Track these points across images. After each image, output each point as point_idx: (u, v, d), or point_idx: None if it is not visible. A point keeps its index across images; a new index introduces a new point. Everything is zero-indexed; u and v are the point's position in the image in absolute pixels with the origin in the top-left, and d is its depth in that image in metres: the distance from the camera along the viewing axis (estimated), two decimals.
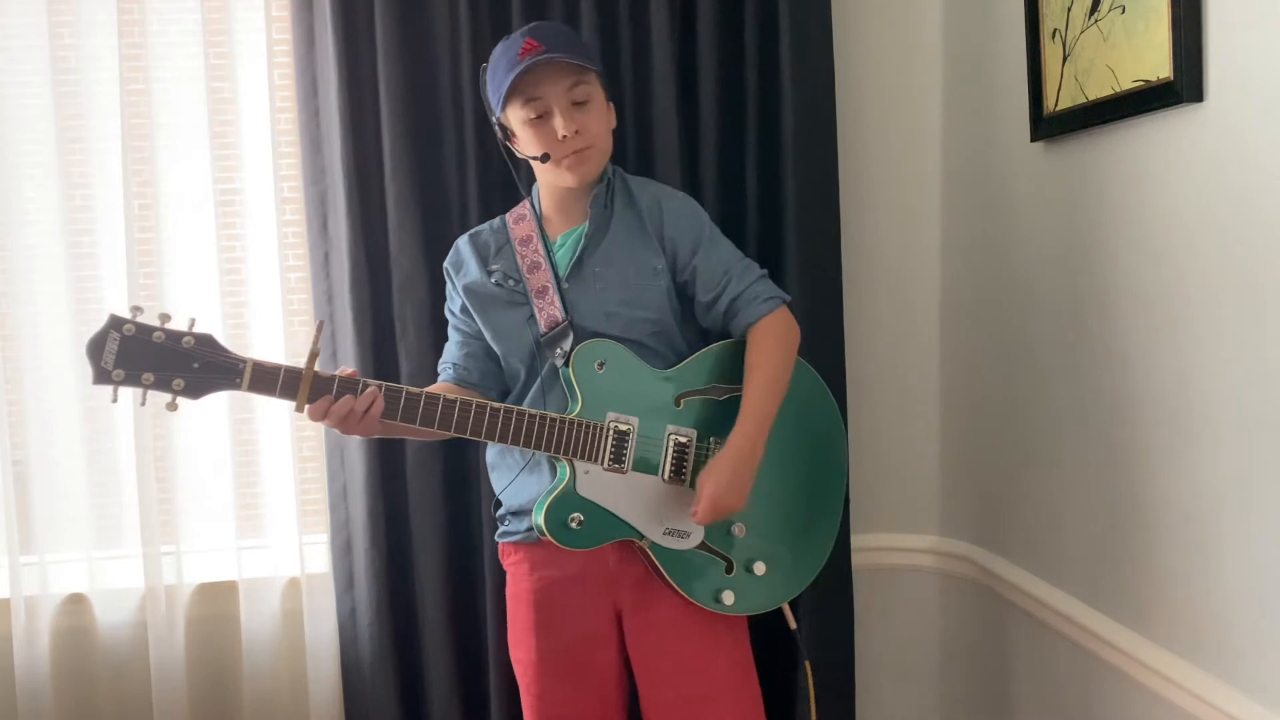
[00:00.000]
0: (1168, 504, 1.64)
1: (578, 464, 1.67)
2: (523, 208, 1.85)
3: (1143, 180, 1.65)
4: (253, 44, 2.22)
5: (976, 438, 2.26)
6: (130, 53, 2.20)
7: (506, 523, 1.84)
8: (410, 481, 2.21)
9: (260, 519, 2.33)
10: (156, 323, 1.52)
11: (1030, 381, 2.03)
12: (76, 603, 2.25)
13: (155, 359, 1.51)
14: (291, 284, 2.28)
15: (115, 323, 1.51)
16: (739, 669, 1.80)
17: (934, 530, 2.39)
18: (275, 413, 2.28)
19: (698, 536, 1.72)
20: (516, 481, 1.79)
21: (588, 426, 1.67)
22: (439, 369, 1.88)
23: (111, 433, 2.26)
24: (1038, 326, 1.99)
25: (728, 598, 1.73)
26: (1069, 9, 1.78)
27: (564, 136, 1.69)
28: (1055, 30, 1.83)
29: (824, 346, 2.20)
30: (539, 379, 1.76)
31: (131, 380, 1.51)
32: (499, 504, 1.85)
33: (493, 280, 1.80)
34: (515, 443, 1.65)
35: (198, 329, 1.54)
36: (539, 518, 1.67)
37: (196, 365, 1.52)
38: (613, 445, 1.68)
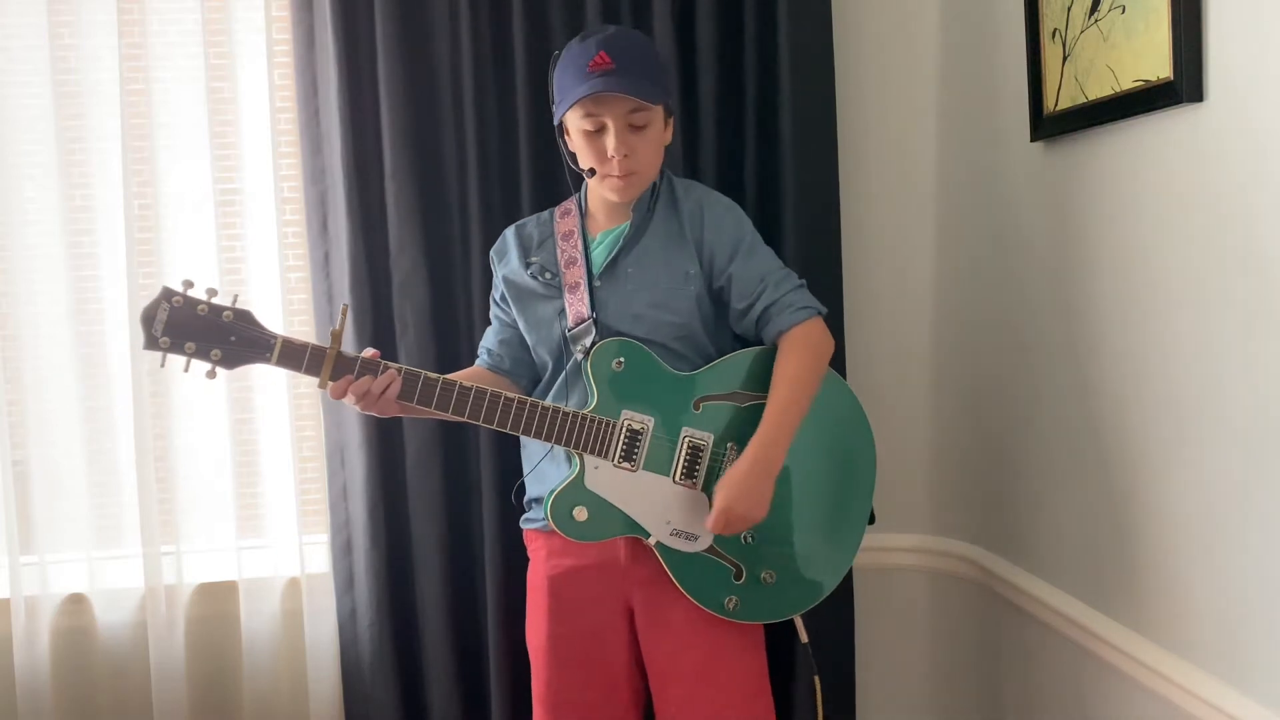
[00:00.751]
0: (1163, 502, 1.64)
1: (588, 458, 1.70)
2: (570, 202, 1.87)
3: (1142, 180, 1.65)
4: (253, 44, 2.23)
5: (974, 437, 2.26)
6: (130, 53, 2.20)
7: (530, 509, 1.87)
8: (410, 481, 2.21)
9: (260, 519, 2.33)
10: (204, 296, 1.62)
11: (1028, 380, 2.03)
12: (76, 603, 2.25)
13: (198, 330, 1.62)
14: (291, 284, 2.28)
15: (167, 294, 1.61)
16: (752, 675, 1.79)
17: (931, 529, 2.39)
18: (275, 413, 2.28)
19: (706, 540, 1.72)
20: (540, 468, 1.81)
21: (600, 422, 1.69)
22: (478, 351, 1.92)
23: (111, 433, 2.26)
24: (1036, 325, 1.99)
25: (732, 603, 1.73)
26: (1069, 9, 1.78)
27: (613, 156, 1.70)
28: (1055, 30, 1.83)
29: None
30: (564, 372, 1.79)
31: (176, 348, 1.61)
32: (521, 490, 1.87)
33: (529, 272, 1.82)
34: (526, 433, 1.69)
35: (239, 305, 1.64)
36: (546, 507, 1.71)
37: (233, 338, 1.63)
38: (624, 443, 1.70)
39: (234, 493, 2.27)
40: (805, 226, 2.19)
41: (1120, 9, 1.64)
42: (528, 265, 1.83)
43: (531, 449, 1.85)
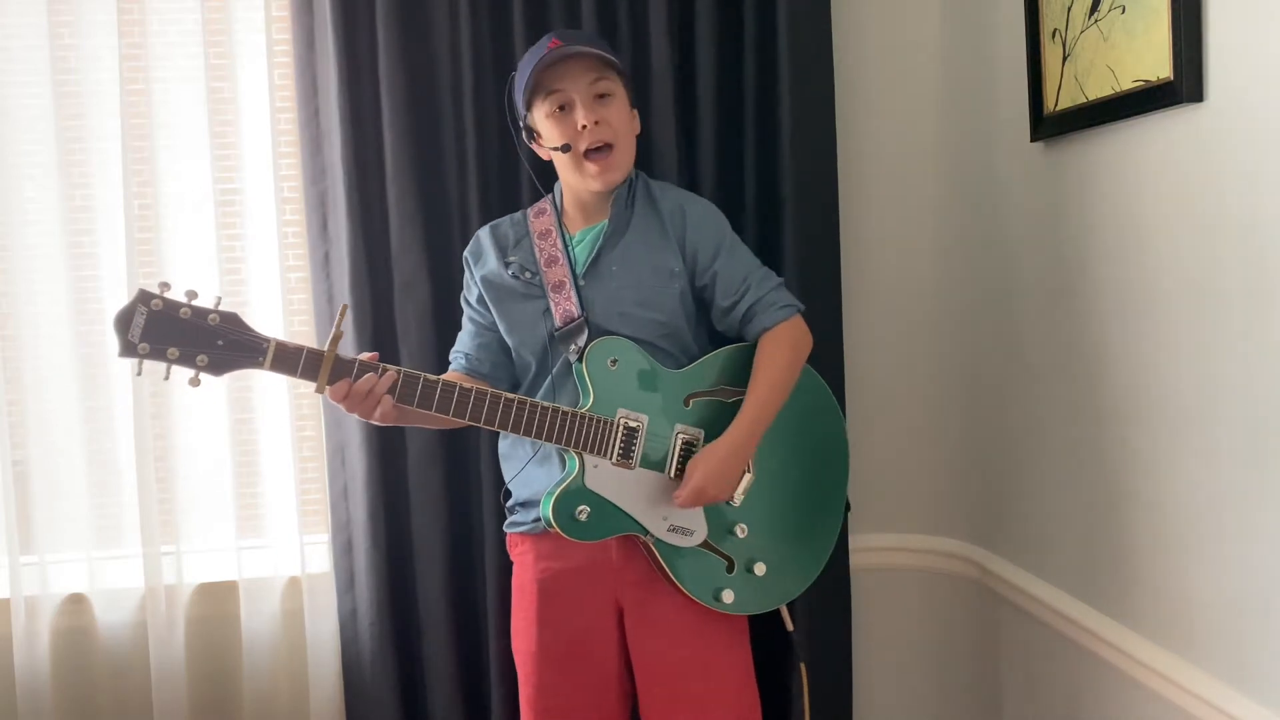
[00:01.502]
0: (1162, 501, 1.65)
1: (587, 458, 1.69)
2: (544, 202, 1.87)
3: (1142, 180, 1.65)
4: (253, 44, 2.22)
5: (973, 437, 2.26)
6: (130, 53, 2.20)
7: (515, 513, 1.86)
8: (410, 481, 2.21)
9: (260, 519, 2.33)
10: (184, 299, 1.53)
11: (1027, 380, 2.03)
12: (76, 603, 2.25)
13: (181, 335, 1.52)
14: (291, 284, 2.28)
15: (143, 298, 1.52)
16: (739, 670, 1.81)
17: (930, 529, 2.39)
18: (275, 413, 2.28)
19: (701, 535, 1.73)
20: (525, 472, 1.81)
21: (599, 421, 1.69)
22: (450, 357, 1.90)
23: (111, 433, 2.26)
24: (1035, 326, 1.99)
25: (727, 596, 1.75)
26: (1069, 9, 1.78)
27: (584, 126, 1.71)
28: (1055, 30, 1.83)
29: (822, 346, 2.18)
30: (551, 373, 1.78)
31: (156, 355, 1.51)
32: (508, 494, 1.86)
33: (509, 272, 1.81)
34: (528, 434, 1.67)
35: (224, 307, 1.55)
36: (547, 508, 1.69)
37: (221, 342, 1.54)
38: (622, 441, 1.70)
39: (234, 493, 2.27)
40: (805, 226, 2.20)
41: (1120, 9, 1.64)
42: (507, 265, 1.82)
43: (512, 453, 1.84)
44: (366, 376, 1.60)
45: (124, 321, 1.50)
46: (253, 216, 2.27)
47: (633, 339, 1.74)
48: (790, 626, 1.87)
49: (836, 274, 2.25)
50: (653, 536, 1.72)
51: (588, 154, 1.74)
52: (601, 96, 1.74)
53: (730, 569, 1.76)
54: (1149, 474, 1.68)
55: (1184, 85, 1.50)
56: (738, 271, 1.79)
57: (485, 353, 1.86)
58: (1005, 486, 2.15)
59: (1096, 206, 1.78)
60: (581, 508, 1.69)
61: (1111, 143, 1.72)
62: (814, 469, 1.84)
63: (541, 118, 1.76)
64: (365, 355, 1.63)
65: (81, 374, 2.24)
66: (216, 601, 2.28)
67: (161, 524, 2.25)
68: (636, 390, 1.72)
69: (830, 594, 2.24)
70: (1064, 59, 1.81)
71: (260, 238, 2.26)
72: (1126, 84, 1.64)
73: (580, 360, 1.71)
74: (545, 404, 1.68)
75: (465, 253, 1.89)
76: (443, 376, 1.68)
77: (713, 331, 1.85)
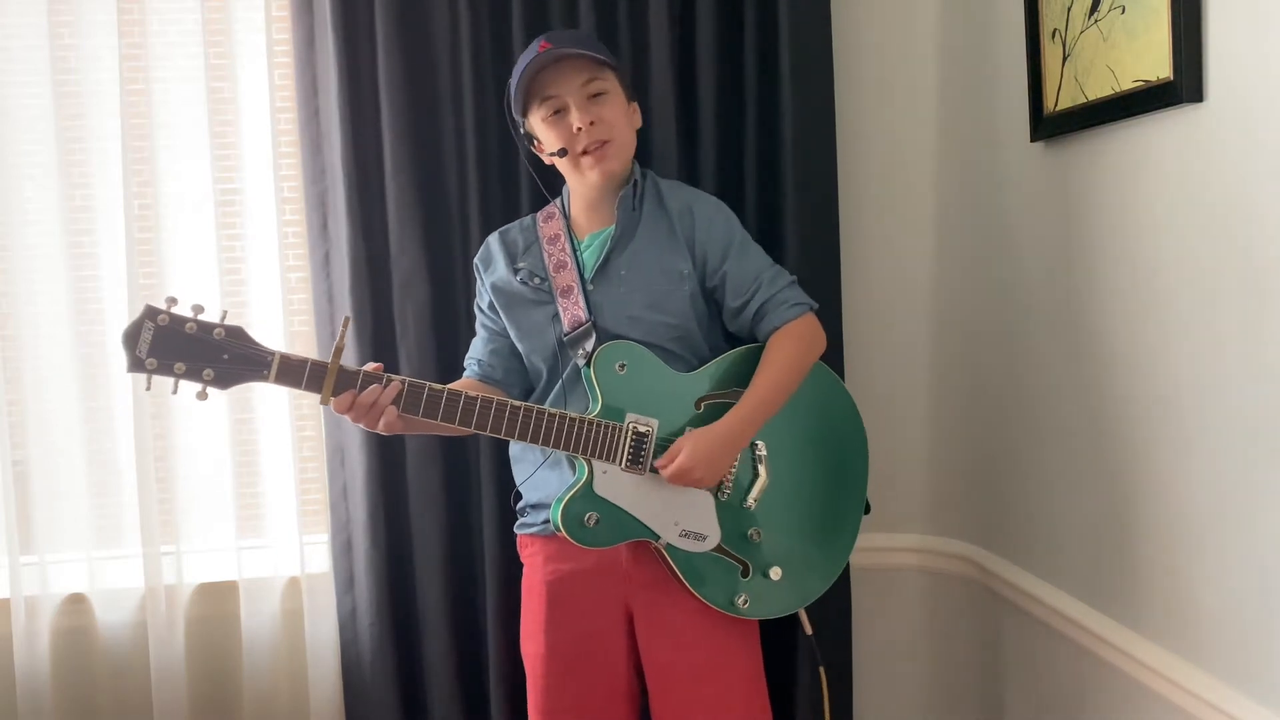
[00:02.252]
0: (1162, 502, 1.64)
1: (596, 463, 1.68)
2: (552, 207, 1.87)
3: (1142, 180, 1.65)
4: (253, 44, 2.23)
5: (973, 437, 2.26)
6: (130, 53, 2.20)
7: (525, 515, 1.85)
8: (410, 481, 2.21)
9: (260, 519, 2.33)
10: (190, 314, 1.55)
11: (1027, 381, 2.03)
12: (76, 603, 2.25)
13: (187, 349, 1.54)
14: (291, 284, 2.28)
15: (151, 313, 1.53)
16: (751, 675, 1.80)
17: (930, 529, 2.39)
18: (275, 413, 2.28)
19: (714, 540, 1.72)
20: (537, 475, 1.80)
21: (607, 427, 1.67)
22: (464, 364, 1.90)
23: (111, 433, 2.26)
24: (1034, 326, 1.99)
25: (743, 601, 1.73)
26: (1069, 9, 1.78)
27: (578, 129, 1.71)
28: (1055, 30, 1.83)
29: None
30: (561, 378, 1.77)
31: (164, 369, 1.54)
32: (519, 496, 1.86)
33: (519, 278, 1.81)
34: (535, 441, 1.66)
35: (229, 321, 1.57)
36: (556, 515, 1.68)
37: (226, 356, 1.55)
38: (631, 446, 1.68)
39: (234, 493, 2.27)
40: (805, 226, 2.19)
41: (1120, 9, 1.64)
42: (516, 271, 1.82)
43: (523, 456, 1.84)
44: (371, 388, 1.60)
45: (132, 337, 1.52)
46: (253, 216, 2.27)
47: (643, 342, 1.73)
48: (809, 630, 1.85)
49: (837, 273, 2.25)
50: (664, 542, 1.71)
51: (583, 151, 1.74)
52: (596, 96, 1.73)
53: (746, 573, 1.74)
54: (1150, 473, 1.68)
55: (1184, 85, 1.49)
56: (748, 271, 1.77)
57: (497, 359, 1.85)
58: (1006, 486, 2.15)
59: (1096, 206, 1.78)
60: (590, 514, 1.68)
61: (1111, 143, 1.72)
62: (832, 472, 1.81)
63: (538, 123, 1.76)
64: (370, 366, 1.63)
65: (81, 374, 2.24)
66: (216, 601, 2.28)
67: (161, 524, 2.25)
68: (646, 394, 1.70)
69: (831, 594, 2.21)
70: (1064, 59, 1.81)
71: (260, 238, 2.26)
72: (1126, 84, 1.64)
73: (588, 365, 1.71)
74: (552, 410, 1.66)
75: (475, 259, 1.89)
76: (450, 385, 1.67)
77: (728, 334, 1.83)
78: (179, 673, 2.24)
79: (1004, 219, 2.10)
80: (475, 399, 1.64)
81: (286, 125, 2.27)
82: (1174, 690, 1.61)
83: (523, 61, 1.75)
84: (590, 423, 1.67)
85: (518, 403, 1.65)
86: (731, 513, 1.73)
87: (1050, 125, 1.87)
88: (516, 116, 1.80)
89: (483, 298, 1.88)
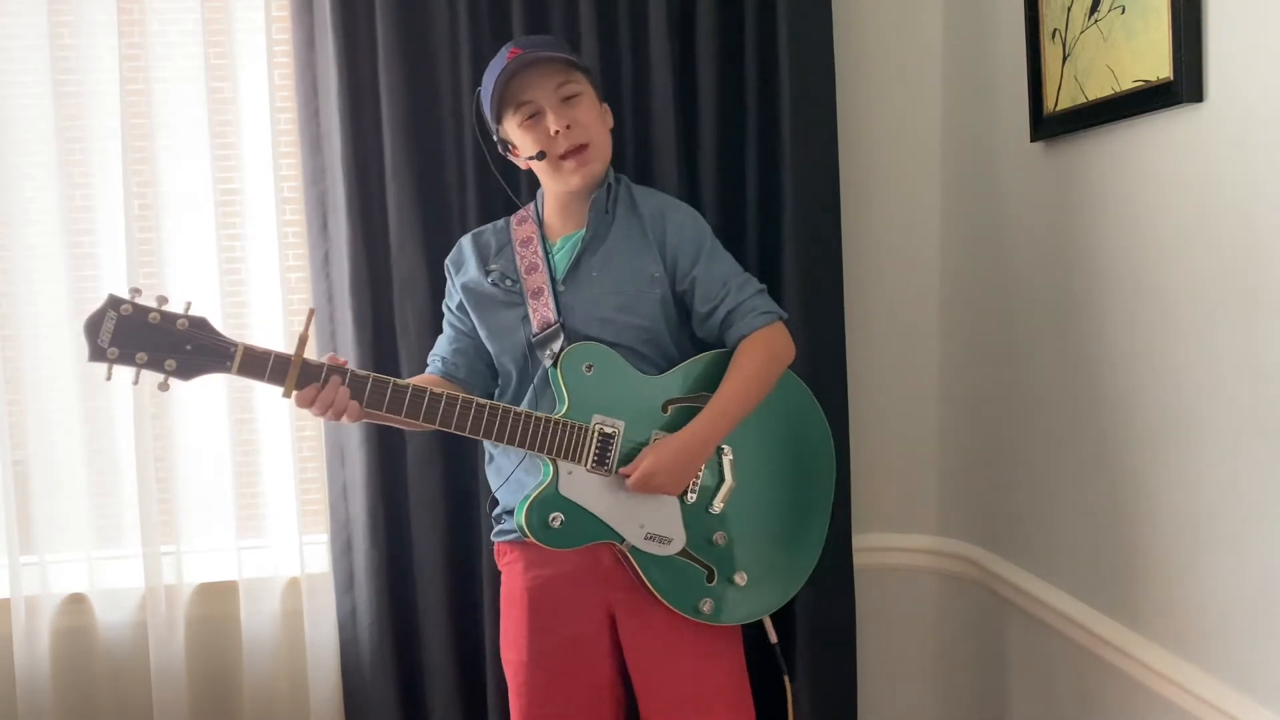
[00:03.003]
0: (1165, 503, 1.64)
1: (561, 464, 1.68)
2: (526, 210, 1.88)
3: (1142, 180, 1.65)
4: (253, 44, 2.22)
5: (975, 437, 2.26)
6: (130, 53, 2.20)
7: (502, 521, 1.84)
8: (410, 481, 2.21)
9: (260, 519, 2.33)
10: (153, 304, 1.54)
11: (1028, 381, 2.03)
12: (76, 603, 2.25)
13: (150, 339, 1.53)
14: (291, 284, 2.28)
15: (113, 302, 1.52)
16: (735, 676, 1.80)
17: (933, 530, 2.39)
18: (275, 413, 2.28)
19: (679, 543, 1.72)
20: (512, 480, 1.79)
21: (572, 427, 1.67)
22: (428, 360, 1.90)
23: (111, 433, 2.26)
24: (1036, 326, 1.99)
25: (707, 606, 1.73)
26: (1069, 9, 1.78)
27: (555, 132, 1.71)
28: (1055, 30, 1.83)
29: (824, 346, 2.21)
30: (532, 381, 1.77)
31: (125, 359, 1.52)
32: (495, 503, 1.85)
33: (490, 280, 1.81)
34: (499, 439, 1.65)
35: (193, 312, 1.56)
36: (520, 515, 1.68)
37: (189, 347, 1.54)
38: (597, 447, 1.68)
39: (234, 493, 2.27)
40: (806, 227, 2.19)
41: (1120, 9, 1.64)
42: (487, 273, 1.82)
43: (501, 460, 1.83)
44: (332, 382, 1.59)
45: (94, 326, 1.51)
46: (253, 216, 2.26)
47: (613, 344, 1.73)
48: (774, 639, 1.84)
49: (838, 273, 2.25)
50: (629, 544, 1.70)
51: (564, 155, 1.74)
52: (569, 99, 1.74)
53: (710, 578, 1.74)
54: (1151, 474, 1.68)
55: (1184, 85, 1.49)
56: (717, 277, 1.77)
57: (461, 358, 1.85)
58: (1007, 487, 2.15)
59: (1096, 206, 1.77)
60: (555, 515, 1.67)
61: (1111, 143, 1.72)
62: (799, 479, 1.81)
63: (514, 128, 1.76)
64: (332, 358, 1.62)
65: (81, 374, 2.24)
66: (216, 601, 2.28)
67: (161, 524, 2.25)
68: (613, 396, 1.70)
69: (835, 594, 2.24)
70: (1064, 59, 1.81)
71: (260, 238, 2.26)
72: (1126, 84, 1.63)
73: (555, 365, 1.70)
74: (516, 409, 1.66)
75: (447, 260, 1.90)
76: (413, 380, 1.67)
77: (696, 339, 1.83)
78: (179, 673, 2.24)
79: (1004, 219, 2.10)
80: (440, 396, 1.63)
81: (286, 125, 2.27)
82: (1176, 691, 1.61)
83: (494, 69, 1.75)
84: (556, 422, 1.67)
85: (483, 400, 1.65)
86: (697, 516, 1.73)
87: (1050, 125, 1.87)
88: (490, 124, 1.80)
89: (452, 298, 1.88)
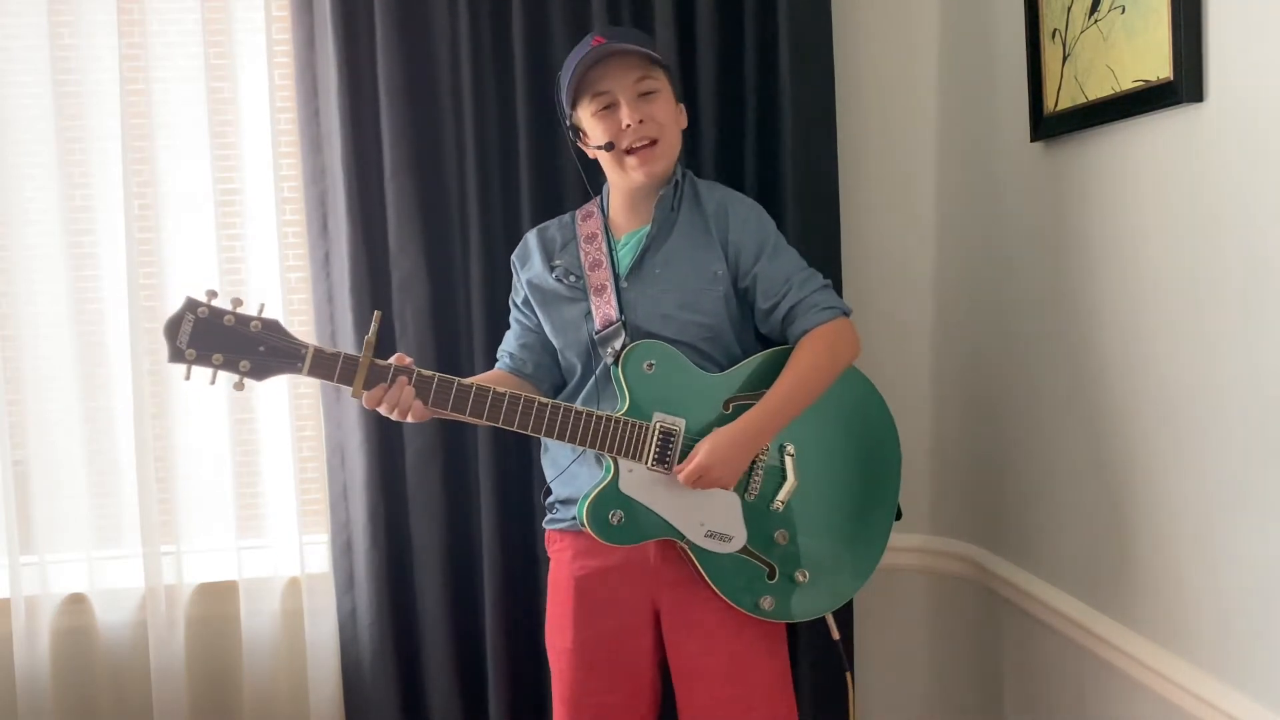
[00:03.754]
0: (1162, 501, 1.64)
1: (622, 462, 1.68)
2: (592, 205, 1.88)
3: (1142, 180, 1.65)
4: (253, 44, 2.23)
5: (972, 436, 2.26)
6: (130, 53, 2.20)
7: (555, 510, 1.85)
8: (410, 481, 2.21)
9: (260, 519, 2.33)
10: (229, 306, 1.58)
11: (1027, 380, 2.03)
12: (76, 603, 2.25)
13: (225, 341, 1.57)
14: (291, 284, 2.28)
15: (191, 305, 1.57)
16: (778, 677, 1.80)
17: (929, 529, 2.39)
18: (275, 413, 2.28)
19: (740, 541, 1.72)
20: (568, 471, 1.80)
21: (633, 425, 1.67)
22: (497, 355, 1.91)
23: (111, 433, 2.26)
24: (1035, 325, 1.99)
25: (768, 603, 1.73)
26: (1069, 9, 1.78)
27: (627, 125, 1.71)
28: (1055, 30, 1.83)
29: None
30: (594, 376, 1.78)
31: (203, 360, 1.57)
32: (549, 491, 1.86)
33: (554, 275, 1.82)
34: (561, 438, 1.66)
35: (265, 314, 1.60)
36: (581, 512, 1.69)
37: (262, 348, 1.58)
38: (657, 445, 1.68)
39: (234, 493, 2.27)
40: (805, 226, 2.19)
41: (1120, 9, 1.64)
42: (552, 268, 1.82)
43: (557, 451, 1.84)
44: (399, 381, 1.62)
45: (173, 328, 1.55)
46: (253, 216, 2.27)
47: (675, 341, 1.73)
48: (836, 635, 1.84)
49: (838, 272, 2.25)
50: (689, 542, 1.70)
51: (629, 149, 1.74)
52: (646, 94, 1.73)
53: (771, 576, 1.73)
54: (1149, 473, 1.68)
55: (1184, 85, 1.49)
56: (780, 273, 1.76)
57: (528, 354, 1.86)
58: (1006, 487, 2.15)
59: (1096, 206, 1.78)
60: (616, 512, 1.68)
61: (1111, 143, 1.72)
62: (863, 478, 1.80)
63: (587, 116, 1.76)
64: (399, 359, 1.64)
65: (81, 374, 2.25)
66: (216, 601, 2.28)
67: (161, 524, 2.25)
68: (674, 394, 1.70)
69: None
70: (1064, 59, 1.81)
71: (260, 238, 2.27)
72: (1126, 84, 1.64)
73: (616, 363, 1.71)
74: (579, 408, 1.67)
75: (513, 256, 1.90)
76: (478, 379, 1.70)
77: (760, 335, 1.83)
78: (179, 673, 2.24)
79: (1004, 219, 2.10)
80: (504, 395, 1.65)
81: (286, 125, 2.27)
82: (1172, 689, 1.62)
83: (575, 55, 1.75)
84: (617, 421, 1.67)
85: (545, 399, 1.66)
86: (758, 514, 1.73)
87: (1050, 125, 1.87)
88: (565, 108, 1.80)
89: (518, 293, 1.89)
